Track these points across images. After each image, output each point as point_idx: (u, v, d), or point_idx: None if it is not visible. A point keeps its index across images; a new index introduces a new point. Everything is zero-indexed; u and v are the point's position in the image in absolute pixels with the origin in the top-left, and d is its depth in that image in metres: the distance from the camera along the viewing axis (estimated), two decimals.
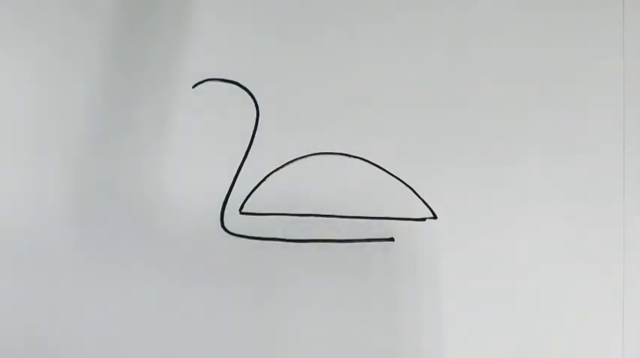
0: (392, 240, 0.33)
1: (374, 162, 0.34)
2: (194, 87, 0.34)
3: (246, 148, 0.33)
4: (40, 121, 0.33)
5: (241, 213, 0.33)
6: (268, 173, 0.33)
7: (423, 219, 0.34)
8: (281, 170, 0.33)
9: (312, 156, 0.34)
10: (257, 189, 0.33)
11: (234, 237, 0.33)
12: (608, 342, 0.34)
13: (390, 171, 0.34)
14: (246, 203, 0.33)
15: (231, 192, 0.33)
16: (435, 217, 0.34)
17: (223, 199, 0.33)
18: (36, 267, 0.32)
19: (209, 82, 0.34)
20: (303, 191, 0.33)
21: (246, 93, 0.34)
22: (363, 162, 0.34)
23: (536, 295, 0.34)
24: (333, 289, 0.33)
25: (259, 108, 0.34)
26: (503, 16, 0.35)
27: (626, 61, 0.35)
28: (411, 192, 0.34)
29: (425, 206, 0.34)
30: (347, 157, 0.34)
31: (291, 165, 0.33)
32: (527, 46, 0.35)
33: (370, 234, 0.33)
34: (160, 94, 0.33)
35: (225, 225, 0.33)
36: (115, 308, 0.32)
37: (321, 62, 0.34)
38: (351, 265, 0.33)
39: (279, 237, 0.33)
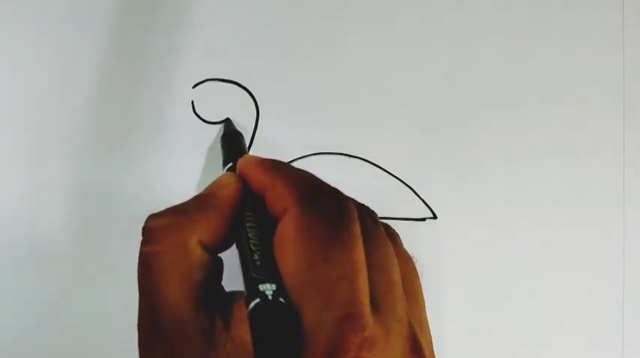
0: None
1: (374, 162, 0.34)
2: (194, 87, 0.34)
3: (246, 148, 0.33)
4: (40, 121, 0.33)
5: None
6: None
7: (423, 219, 0.34)
8: None
9: (312, 156, 0.34)
10: None
11: None
12: (608, 342, 0.34)
13: (390, 171, 0.34)
14: None
15: None
16: (435, 217, 0.34)
17: None
18: (36, 268, 0.32)
19: (209, 82, 0.34)
20: None
21: (246, 93, 0.34)
22: (363, 162, 0.34)
23: (537, 295, 0.34)
24: None
25: (259, 108, 0.34)
26: (503, 16, 0.35)
27: (626, 61, 0.35)
28: (411, 192, 0.34)
29: (425, 206, 0.34)
30: (347, 157, 0.34)
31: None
32: (527, 46, 0.35)
33: None
34: (160, 94, 0.33)
35: None
36: (116, 308, 0.32)
37: (322, 62, 0.34)
38: None
39: None
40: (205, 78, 0.34)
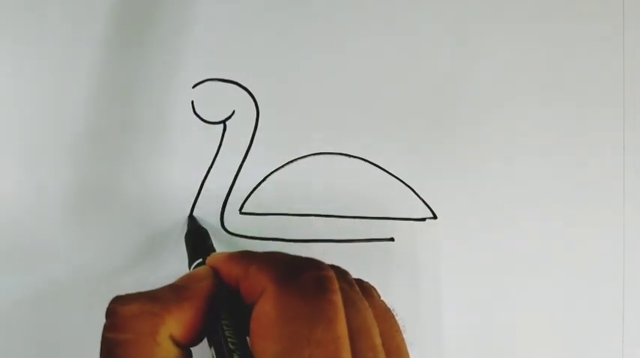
0: (392, 240, 0.33)
1: (374, 162, 0.34)
2: (194, 87, 0.34)
3: (246, 148, 0.33)
4: (40, 121, 0.33)
5: (241, 213, 0.33)
6: (268, 173, 0.33)
7: (423, 219, 0.34)
8: (281, 170, 0.33)
9: (312, 156, 0.34)
10: (257, 189, 0.33)
11: (235, 237, 0.33)
12: (608, 342, 0.34)
13: (390, 171, 0.34)
14: (246, 203, 0.33)
15: (231, 192, 0.33)
16: (435, 217, 0.34)
17: (223, 199, 0.33)
18: (35, 267, 0.32)
19: (209, 82, 0.34)
20: (303, 191, 0.33)
21: (246, 93, 0.34)
22: (363, 162, 0.34)
23: (536, 295, 0.34)
24: None
25: (259, 108, 0.34)
26: (503, 16, 0.35)
27: (626, 60, 0.35)
28: (411, 192, 0.34)
29: (425, 206, 0.34)
30: (347, 157, 0.34)
31: (291, 165, 0.33)
32: (527, 46, 0.35)
33: (370, 234, 0.33)
34: (160, 94, 0.33)
35: (225, 225, 0.33)
36: None
37: (322, 62, 0.34)
38: (351, 265, 0.33)
39: (279, 237, 0.33)
40: (205, 78, 0.34)
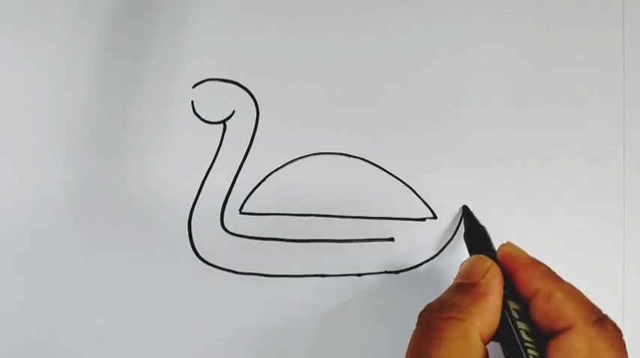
0: (392, 240, 0.33)
1: (374, 162, 0.34)
2: (194, 87, 0.34)
3: (246, 148, 0.33)
4: (40, 121, 0.33)
5: (241, 213, 0.33)
6: (268, 173, 0.33)
7: (423, 219, 0.34)
8: (281, 170, 0.33)
9: (312, 156, 0.34)
10: (257, 189, 0.33)
11: (234, 237, 0.33)
12: None
13: (390, 171, 0.34)
14: (246, 203, 0.33)
15: (231, 192, 0.33)
16: (435, 217, 0.34)
17: (223, 199, 0.33)
18: (36, 267, 0.32)
19: (209, 82, 0.34)
20: (303, 191, 0.33)
21: (246, 93, 0.34)
22: (363, 162, 0.34)
23: None
24: (332, 289, 0.33)
25: (259, 108, 0.34)
26: (503, 16, 0.35)
27: (626, 61, 0.35)
28: (411, 192, 0.34)
29: (425, 206, 0.34)
30: (347, 157, 0.34)
31: (291, 165, 0.34)
32: (527, 46, 0.35)
33: (370, 234, 0.33)
34: (160, 94, 0.33)
35: (225, 225, 0.33)
36: (116, 308, 0.32)
37: (322, 62, 0.34)
38: (351, 265, 0.33)
39: (279, 237, 0.33)
40: (205, 78, 0.34)
